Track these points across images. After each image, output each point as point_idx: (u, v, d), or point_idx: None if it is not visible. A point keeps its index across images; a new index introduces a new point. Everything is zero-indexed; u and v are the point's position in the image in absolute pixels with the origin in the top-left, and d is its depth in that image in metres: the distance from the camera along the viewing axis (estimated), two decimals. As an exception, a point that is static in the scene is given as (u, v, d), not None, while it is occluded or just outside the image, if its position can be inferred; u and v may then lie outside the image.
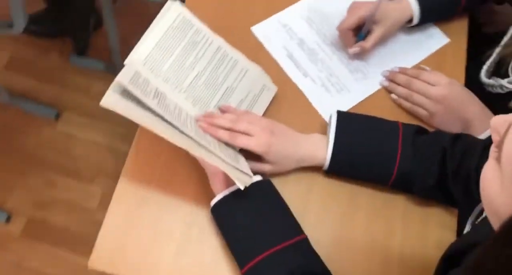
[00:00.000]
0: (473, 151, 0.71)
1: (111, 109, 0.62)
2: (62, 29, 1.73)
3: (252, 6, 0.92)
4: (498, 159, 0.40)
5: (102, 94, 0.62)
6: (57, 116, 1.67)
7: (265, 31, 0.89)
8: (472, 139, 0.75)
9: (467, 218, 0.75)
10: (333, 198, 0.78)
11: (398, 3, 0.85)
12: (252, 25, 0.89)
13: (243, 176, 0.67)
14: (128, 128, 1.72)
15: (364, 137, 0.76)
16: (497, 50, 0.84)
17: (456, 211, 0.79)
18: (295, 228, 0.70)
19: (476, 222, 0.68)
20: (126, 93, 0.65)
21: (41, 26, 1.71)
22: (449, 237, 0.78)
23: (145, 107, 0.66)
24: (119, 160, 1.64)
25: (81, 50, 1.76)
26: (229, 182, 0.70)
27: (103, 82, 1.77)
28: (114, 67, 1.71)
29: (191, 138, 0.68)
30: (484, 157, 0.70)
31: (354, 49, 0.86)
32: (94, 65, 1.76)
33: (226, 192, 0.70)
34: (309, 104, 0.85)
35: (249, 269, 0.66)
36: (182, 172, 0.77)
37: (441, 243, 0.77)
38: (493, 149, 0.42)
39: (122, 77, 0.65)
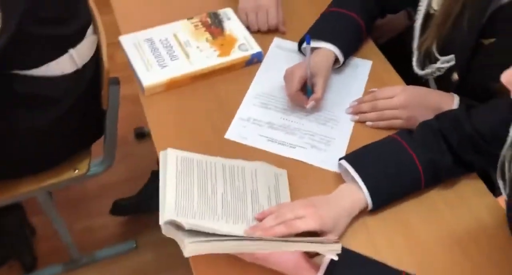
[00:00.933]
0: (460, 118, 0.89)
1: (197, 254, 0.68)
2: (3, 258, 1.67)
3: (211, 116, 1.04)
4: None
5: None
6: None
7: (236, 133, 1.01)
8: (451, 111, 0.93)
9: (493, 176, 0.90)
10: (389, 226, 0.89)
11: (321, 53, 1.04)
12: (221, 132, 1.01)
13: (330, 246, 0.75)
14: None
15: (380, 162, 0.89)
16: (415, 47, 1.04)
17: (474, 174, 0.94)
18: (394, 274, 0.78)
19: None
20: (194, 235, 0.71)
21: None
22: (491, 199, 0.93)
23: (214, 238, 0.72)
24: None
25: (31, 266, 1.71)
26: (315, 266, 0.77)
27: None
28: (74, 262, 1.68)
29: (266, 241, 0.74)
30: (472, 116, 0.88)
31: (311, 103, 1.01)
32: (51, 271, 1.70)
33: None
34: (314, 167, 0.96)
35: None
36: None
37: (490, 207, 0.92)
38: None
39: (189, 225, 0.71)
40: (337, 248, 0.75)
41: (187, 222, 0.75)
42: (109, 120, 1.30)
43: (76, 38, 1.17)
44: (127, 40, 1.14)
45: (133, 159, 2.03)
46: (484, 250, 0.86)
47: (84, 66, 1.21)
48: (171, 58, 1.10)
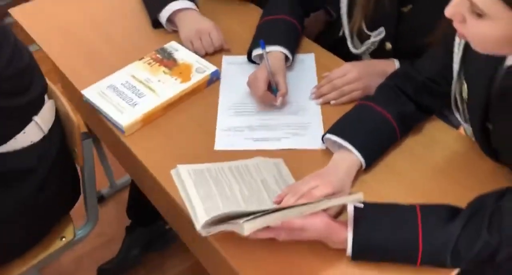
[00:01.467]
0: (408, 71, 1.07)
1: (253, 230, 0.77)
2: None
3: (194, 136, 1.12)
4: (480, 15, 0.70)
5: None
6: None
7: (224, 143, 1.10)
8: (398, 69, 1.11)
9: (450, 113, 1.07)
10: (384, 177, 1.03)
11: (273, 55, 1.18)
12: (210, 146, 1.10)
13: (352, 196, 0.86)
14: None
15: (359, 125, 1.03)
16: (347, 32, 1.22)
17: (434, 117, 1.12)
18: (410, 208, 0.89)
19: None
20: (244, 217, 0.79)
21: None
22: (454, 131, 1.11)
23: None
24: None
25: None
26: (344, 223, 0.87)
27: None
28: None
29: (292, 209, 0.84)
30: (417, 67, 1.05)
31: (279, 99, 1.14)
32: None
33: (350, 231, 0.86)
34: (302, 151, 1.08)
35: (422, 261, 0.84)
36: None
37: (455, 137, 1.10)
38: (466, 19, 0.73)
39: (235, 212, 0.79)
40: (359, 196, 0.86)
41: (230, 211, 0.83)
42: (87, 177, 1.33)
43: (37, 105, 1.20)
44: (90, 92, 1.19)
45: (100, 224, 2.01)
46: (462, 171, 1.02)
47: (50, 130, 1.24)
48: (138, 96, 1.17)
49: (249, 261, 0.91)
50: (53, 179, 1.27)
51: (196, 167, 0.97)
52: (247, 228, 0.77)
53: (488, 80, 0.89)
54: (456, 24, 0.77)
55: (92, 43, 1.37)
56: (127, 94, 1.18)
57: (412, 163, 1.04)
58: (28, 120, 1.18)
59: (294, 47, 1.24)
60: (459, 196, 0.93)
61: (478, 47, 0.78)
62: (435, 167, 1.04)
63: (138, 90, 1.19)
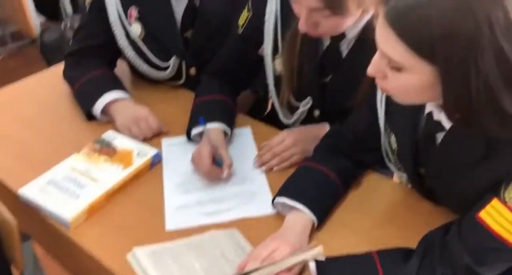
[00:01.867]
0: (338, 131, 1.17)
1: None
2: None
3: (143, 220, 1.11)
4: (399, 69, 0.80)
5: None
6: None
7: (174, 222, 1.10)
8: (329, 131, 1.21)
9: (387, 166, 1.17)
10: (334, 233, 1.07)
11: (213, 131, 1.23)
12: (161, 228, 1.09)
13: (313, 251, 0.89)
14: None
15: (306, 185, 1.09)
16: (277, 105, 1.31)
17: (369, 170, 1.21)
18: (367, 255, 0.94)
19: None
20: None
21: None
22: (390, 181, 1.21)
23: None
24: None
25: None
26: None
27: None
28: None
29: (267, 267, 0.85)
30: (345, 126, 1.14)
31: (226, 172, 1.18)
32: None
33: None
34: (254, 218, 1.11)
35: None
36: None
37: (392, 186, 1.20)
38: (387, 75, 0.83)
39: None
40: (319, 250, 0.89)
41: None
42: (27, 283, 1.25)
43: None
44: (28, 190, 1.16)
45: None
46: (404, 215, 1.10)
47: None
48: (80, 188, 1.16)
49: None
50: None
51: (152, 248, 0.96)
52: None
53: (413, 129, 1.00)
54: (378, 81, 0.87)
55: (24, 142, 1.35)
56: (69, 187, 1.16)
57: (357, 214, 1.10)
58: None
59: (231, 122, 1.31)
60: (406, 239, 0.99)
61: (400, 98, 0.88)
62: (379, 215, 1.10)
63: (80, 181, 1.18)
